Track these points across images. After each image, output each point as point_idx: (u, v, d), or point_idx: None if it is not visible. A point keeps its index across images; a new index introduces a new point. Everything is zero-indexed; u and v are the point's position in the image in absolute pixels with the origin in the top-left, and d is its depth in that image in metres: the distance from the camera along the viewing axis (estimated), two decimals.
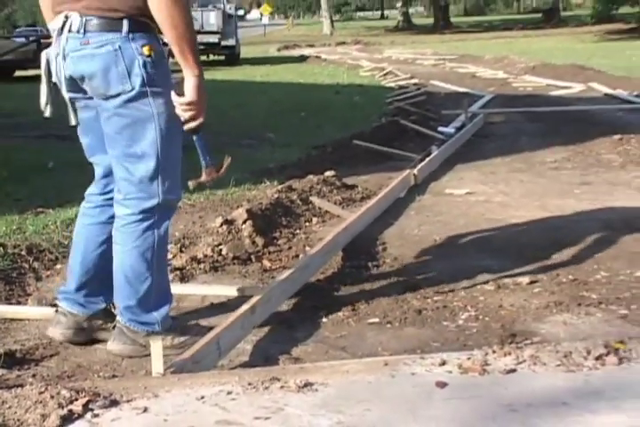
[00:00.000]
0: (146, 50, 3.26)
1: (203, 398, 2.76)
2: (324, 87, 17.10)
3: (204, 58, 27.55)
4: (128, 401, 2.72)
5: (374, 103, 13.29)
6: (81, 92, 3.41)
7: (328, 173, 6.80)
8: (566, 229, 5.44)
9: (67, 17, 3.29)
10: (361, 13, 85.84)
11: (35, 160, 8.29)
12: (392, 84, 17.14)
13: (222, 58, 27.34)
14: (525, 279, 4.42)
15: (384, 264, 4.86)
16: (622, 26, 40.59)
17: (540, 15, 60.64)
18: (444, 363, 2.98)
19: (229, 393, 2.78)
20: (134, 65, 3.25)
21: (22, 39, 23.65)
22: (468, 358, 3.01)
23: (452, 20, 61.39)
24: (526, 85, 16.30)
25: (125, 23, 3.24)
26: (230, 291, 4.26)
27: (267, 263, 4.88)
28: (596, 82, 15.03)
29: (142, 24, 3.27)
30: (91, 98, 3.40)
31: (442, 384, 2.81)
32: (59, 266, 4.77)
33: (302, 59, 29.92)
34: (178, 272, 4.66)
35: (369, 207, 5.72)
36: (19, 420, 2.54)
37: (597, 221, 5.58)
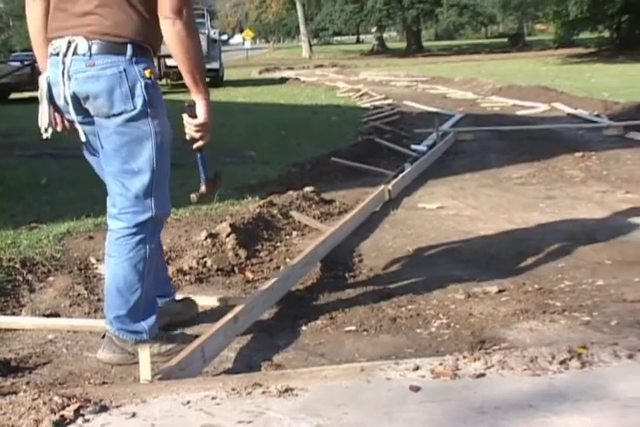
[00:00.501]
0: (147, 73, 3.34)
1: (188, 403, 2.75)
2: (303, 107, 17.11)
3: None
4: (117, 407, 2.72)
5: (351, 122, 13.30)
6: (82, 114, 3.40)
7: (307, 189, 6.80)
8: (531, 240, 5.47)
9: (70, 41, 3.30)
10: (338, 38, 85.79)
11: (29, 177, 8.25)
12: (367, 105, 17.16)
13: (207, 80, 27.17)
14: (494, 288, 4.44)
15: (360, 275, 4.87)
16: (583, 50, 40.83)
17: (506, 40, 60.82)
18: (417, 368, 2.98)
19: (214, 398, 2.78)
20: (137, 86, 3.31)
21: (18, 63, 23.62)
22: (440, 364, 3.01)
23: (424, 44, 61.56)
24: (493, 105, 16.35)
25: (129, 47, 3.30)
26: (215, 301, 4.27)
27: (249, 275, 4.88)
28: (559, 102, 15.10)
29: (144, 49, 3.36)
30: (90, 123, 3.41)
31: (415, 388, 2.82)
32: (51, 278, 4.74)
33: (282, 81, 29.87)
34: None
35: (346, 221, 5.73)
36: (13, 425, 2.54)
37: (561, 233, 5.61)
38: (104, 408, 2.70)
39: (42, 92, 3.44)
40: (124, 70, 3.29)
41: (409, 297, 4.37)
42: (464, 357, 3.07)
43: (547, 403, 2.68)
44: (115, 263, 3.48)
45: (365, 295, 4.44)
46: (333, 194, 7.09)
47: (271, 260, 5.16)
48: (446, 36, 76.17)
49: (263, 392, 2.80)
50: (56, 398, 2.68)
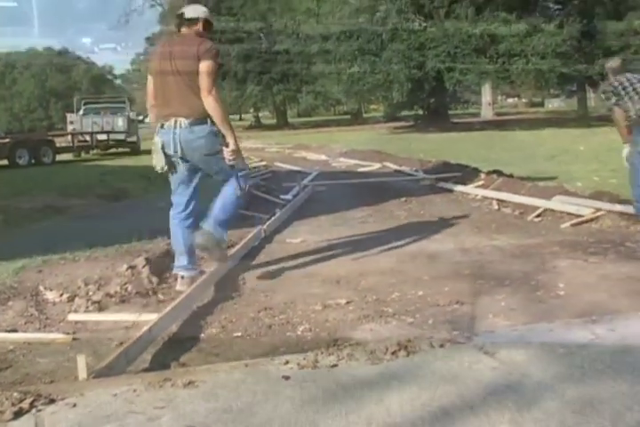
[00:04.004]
0: (218, 131, 4.66)
1: (116, 394, 2.75)
2: None
3: (113, 150, 27.02)
4: (62, 399, 2.74)
5: None
6: (185, 159, 4.78)
7: None
8: (371, 263, 5.55)
9: (176, 120, 4.66)
10: None
11: None
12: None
13: (128, 150, 26.63)
14: (343, 300, 4.48)
15: (244, 293, 4.85)
16: (405, 123, 41.89)
17: (349, 116, 61.91)
18: (287, 362, 3.02)
19: (135, 391, 2.78)
20: (217, 138, 4.67)
21: None
22: (304, 358, 3.05)
23: (289, 120, 61.97)
24: (341, 164, 16.56)
25: (208, 119, 4.63)
26: (134, 317, 4.21)
27: (160, 296, 4.81)
28: (389, 162, 15.36)
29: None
30: (188, 161, 4.80)
31: (286, 377, 2.85)
32: (10, 303, 4.61)
33: None
34: (96, 304, 4.56)
35: (233, 253, 5.71)
36: None
37: (391, 257, 5.72)
38: (52, 401, 2.73)
39: (157, 147, 4.75)
40: (209, 131, 4.65)
41: (280, 309, 4.38)
42: (322, 352, 3.12)
43: (383, 382, 2.76)
44: (230, 201, 4.87)
45: (248, 309, 4.43)
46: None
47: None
48: (305, 113, 76.83)
49: (172, 385, 2.81)
50: (15, 394, 2.72)
